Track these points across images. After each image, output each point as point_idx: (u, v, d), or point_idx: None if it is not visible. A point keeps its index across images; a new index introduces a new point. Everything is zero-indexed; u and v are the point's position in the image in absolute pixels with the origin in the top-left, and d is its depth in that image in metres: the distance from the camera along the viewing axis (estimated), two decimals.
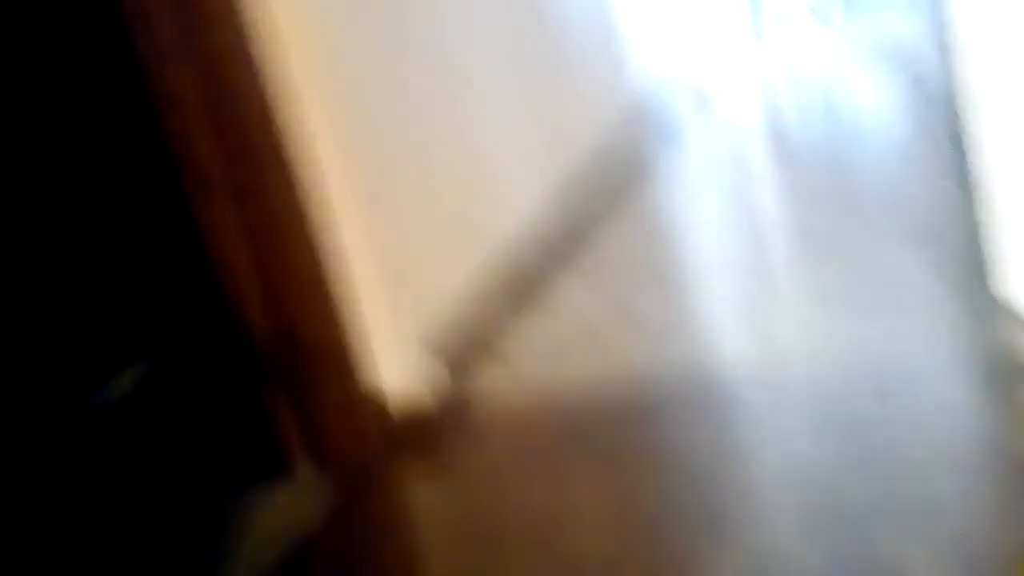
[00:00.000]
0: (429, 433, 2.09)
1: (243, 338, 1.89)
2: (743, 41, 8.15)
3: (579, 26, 3.94)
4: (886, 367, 1.93)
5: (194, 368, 1.82)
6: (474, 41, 2.90)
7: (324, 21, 2.08)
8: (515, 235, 2.95)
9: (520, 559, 1.59)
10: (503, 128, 3.02)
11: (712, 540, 1.51)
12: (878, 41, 6.73)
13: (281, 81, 1.91)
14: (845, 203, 3.17)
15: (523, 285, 2.87)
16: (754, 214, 3.40)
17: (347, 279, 2.02)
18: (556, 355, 2.39)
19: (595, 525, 1.61)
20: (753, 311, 2.44)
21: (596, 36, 4.18)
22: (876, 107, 4.69)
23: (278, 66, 1.91)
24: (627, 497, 1.67)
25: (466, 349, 2.46)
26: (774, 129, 4.77)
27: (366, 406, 2.03)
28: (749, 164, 4.12)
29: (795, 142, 4.32)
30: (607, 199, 3.78)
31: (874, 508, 1.49)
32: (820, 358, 2.05)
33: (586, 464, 1.82)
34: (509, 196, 2.99)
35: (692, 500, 1.63)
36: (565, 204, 3.39)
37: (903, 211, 2.91)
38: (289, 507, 1.83)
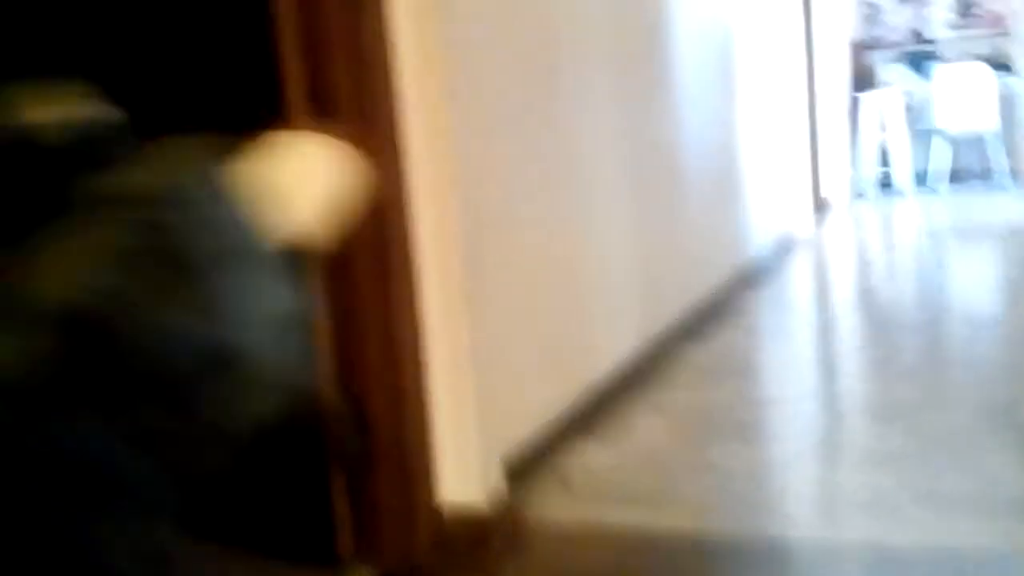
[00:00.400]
0: (483, 547, 2.03)
1: (317, 419, 1.88)
2: (846, 202, 8.18)
3: (702, 181, 4.00)
4: (962, 559, 1.83)
5: (265, 440, 1.81)
6: (602, 182, 2.95)
7: (465, 129, 2.14)
8: (602, 368, 2.95)
9: None
10: (612, 269, 3.05)
11: None
12: (981, 216, 6.67)
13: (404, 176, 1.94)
14: (933, 380, 3.08)
15: (601, 414, 2.84)
16: (838, 375, 3.33)
17: (431, 385, 2.01)
18: (621, 486, 2.33)
19: None
20: (825, 475, 2.35)
21: (716, 192, 4.25)
22: (975, 282, 4.61)
23: (402, 167, 1.95)
24: None
25: (532, 468, 2.42)
26: (867, 291, 4.71)
27: (425, 513, 1.99)
28: (840, 324, 4.06)
29: (887, 307, 4.25)
30: (695, 342, 3.75)
31: None
32: (888, 536, 1.95)
33: None
34: (604, 332, 2.99)
35: None
36: (656, 343, 3.38)
37: (994, 397, 2.81)
38: None
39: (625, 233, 3.25)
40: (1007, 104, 8.15)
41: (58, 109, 0.73)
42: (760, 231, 5.28)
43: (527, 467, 2.41)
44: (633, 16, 3.40)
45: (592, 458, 2.54)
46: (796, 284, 4.90)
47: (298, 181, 0.76)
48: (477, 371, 2.18)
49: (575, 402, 2.75)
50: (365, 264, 1.94)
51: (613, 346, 3.10)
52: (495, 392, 2.32)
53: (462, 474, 2.08)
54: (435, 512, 2.02)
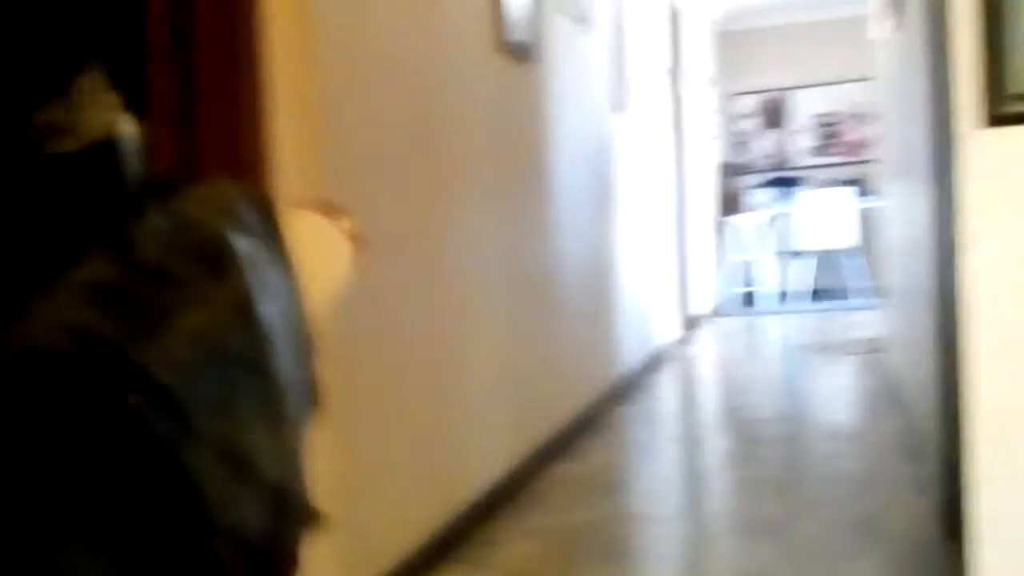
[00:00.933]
0: None
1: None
2: (714, 318, 8.42)
3: (576, 298, 4.03)
4: None
5: None
6: (476, 297, 2.93)
7: None
8: (473, 488, 2.87)
9: None
10: (485, 386, 3.01)
11: None
12: (842, 332, 6.94)
13: None
14: (799, 494, 3.11)
15: (470, 535, 2.75)
16: (706, 492, 3.33)
17: None
18: None
19: None
20: None
21: (590, 309, 4.29)
22: (836, 396, 4.75)
23: None
24: None
25: None
26: (734, 406, 4.79)
27: None
28: (708, 439, 4.09)
29: (753, 421, 4.32)
30: (567, 459, 3.71)
31: None
32: None
33: None
34: (476, 451, 2.92)
35: None
36: (527, 461, 3.33)
37: (858, 508, 2.85)
38: None
39: (499, 349, 3.22)
40: (867, 225, 8.62)
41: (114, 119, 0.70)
42: (632, 347, 5.35)
43: None
44: (513, 132, 3.45)
45: None
46: (666, 399, 4.95)
47: (319, 261, 0.76)
48: (340, 489, 2.07)
49: (444, 524, 2.65)
50: None
51: (484, 465, 3.02)
52: (358, 512, 2.21)
53: None
54: None
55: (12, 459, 0.58)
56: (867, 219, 8.60)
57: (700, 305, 7.84)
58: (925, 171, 2.58)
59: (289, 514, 0.71)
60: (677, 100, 7.30)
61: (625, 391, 4.95)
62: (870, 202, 8.61)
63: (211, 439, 0.63)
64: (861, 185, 9.10)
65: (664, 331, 6.42)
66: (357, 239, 0.83)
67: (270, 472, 0.67)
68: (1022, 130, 1.67)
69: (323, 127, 2.14)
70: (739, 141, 9.97)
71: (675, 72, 7.09)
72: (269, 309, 0.67)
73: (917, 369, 3.41)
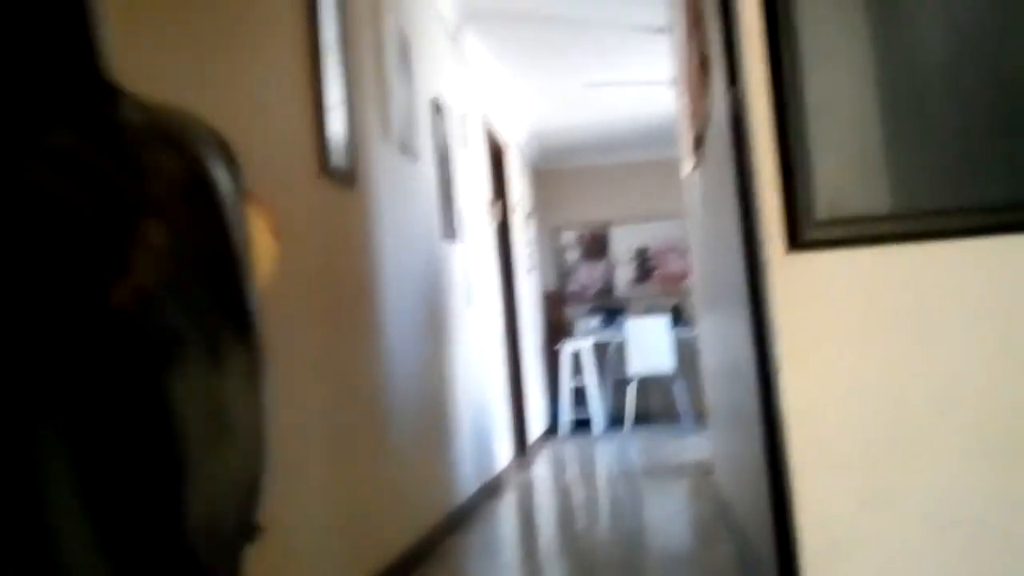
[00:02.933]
0: None
1: None
2: (547, 443, 8.47)
3: (408, 428, 3.95)
4: None
5: None
6: (299, 430, 2.81)
7: None
8: None
9: None
10: (309, 526, 2.86)
11: None
12: (669, 454, 7.09)
13: None
14: None
15: None
16: None
17: None
18: None
19: None
20: None
21: (424, 439, 4.20)
22: (668, 519, 4.80)
23: None
24: None
25: None
26: (569, 531, 4.76)
27: None
28: (544, 567, 4.03)
29: (588, 548, 4.30)
30: None
31: None
32: None
33: None
34: None
35: None
36: None
37: None
38: None
39: (326, 481, 3.09)
40: (685, 352, 8.96)
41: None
42: (468, 474, 5.27)
43: None
44: (338, 256, 3.41)
45: None
46: (503, 526, 4.87)
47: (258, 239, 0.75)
48: None
49: None
50: None
51: None
52: None
53: None
54: None
55: None
56: (685, 346, 8.96)
57: (533, 431, 7.86)
58: (739, 296, 2.70)
59: (253, 491, 0.65)
60: (502, 231, 7.48)
61: (462, 519, 4.84)
62: (688, 330, 8.99)
63: (195, 376, 0.56)
64: (680, 313, 9.51)
65: (500, 457, 6.38)
66: (277, 232, 0.80)
67: (247, 436, 0.61)
68: (825, 255, 1.77)
69: None
70: (565, 271, 10.28)
71: (500, 203, 7.29)
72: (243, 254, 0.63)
73: (746, 489, 3.49)
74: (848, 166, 1.77)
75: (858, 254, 1.76)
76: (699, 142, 3.70)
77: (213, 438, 0.58)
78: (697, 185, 4.15)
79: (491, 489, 5.79)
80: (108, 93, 0.61)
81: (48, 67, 0.58)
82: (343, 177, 3.49)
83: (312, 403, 3.03)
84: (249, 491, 0.66)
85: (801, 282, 1.77)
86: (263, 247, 0.78)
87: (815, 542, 1.76)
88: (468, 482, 5.26)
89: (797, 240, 1.75)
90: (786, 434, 1.78)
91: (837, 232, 1.74)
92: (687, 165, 4.46)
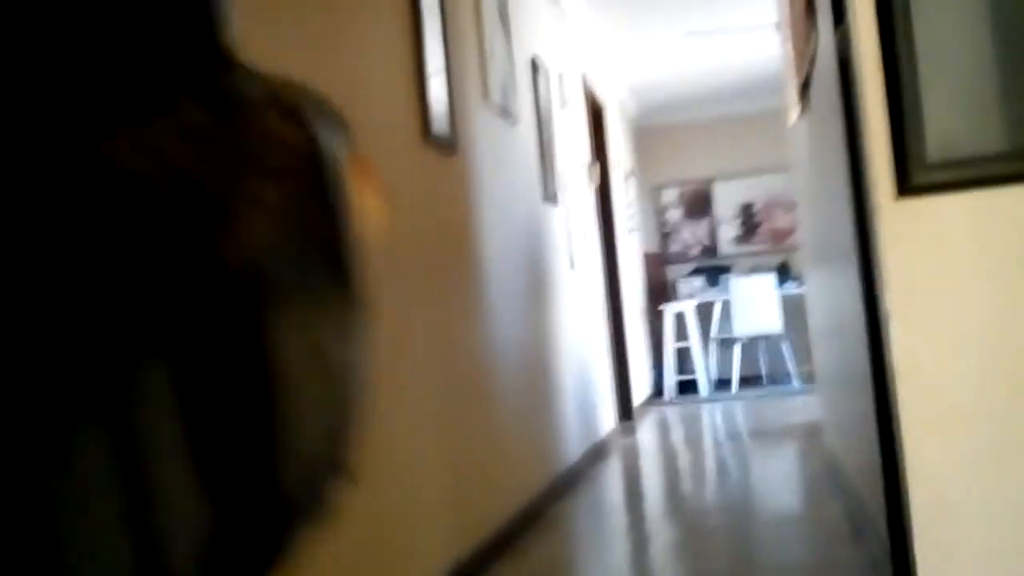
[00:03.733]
0: None
1: None
2: (650, 406, 8.42)
3: (514, 392, 3.98)
4: None
5: None
6: (408, 390, 2.85)
7: None
8: None
9: None
10: (418, 485, 2.91)
11: None
12: (776, 417, 6.97)
13: None
14: (739, 568, 3.05)
15: None
16: (649, 570, 3.24)
17: None
18: None
19: None
20: None
21: (529, 403, 4.22)
22: (775, 482, 4.72)
23: None
24: None
25: None
26: (676, 495, 4.73)
27: None
28: (652, 530, 4.01)
29: (696, 511, 4.26)
30: (509, 557, 3.60)
31: None
32: None
33: None
34: (408, 553, 2.80)
35: None
36: (467, 562, 3.22)
37: None
38: None
39: (434, 445, 3.13)
40: (792, 311, 8.76)
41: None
42: (573, 438, 5.28)
43: None
44: (441, 222, 3.43)
45: None
46: (609, 491, 4.87)
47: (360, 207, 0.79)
48: None
49: None
50: None
51: (420, 567, 2.90)
52: None
53: None
54: None
55: (90, 274, 0.54)
56: (793, 304, 8.75)
57: (638, 394, 7.82)
58: (847, 248, 2.61)
59: (346, 435, 0.68)
60: (603, 192, 7.41)
61: (568, 484, 4.86)
62: (795, 288, 8.78)
63: (296, 322, 0.59)
64: (786, 270, 9.29)
65: (604, 422, 6.37)
66: (385, 195, 0.84)
67: (343, 382, 0.64)
68: (936, 199, 1.69)
69: None
70: (666, 231, 10.15)
71: (599, 165, 7.22)
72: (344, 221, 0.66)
73: (856, 450, 3.41)
74: (959, 107, 1.68)
75: (971, 197, 1.67)
76: (805, 88, 3.57)
77: (310, 381, 0.61)
78: (803, 134, 4.02)
79: (596, 453, 5.79)
80: (229, 65, 0.65)
81: (174, 38, 0.63)
82: (444, 144, 3.50)
83: (419, 370, 3.07)
84: (342, 435, 0.68)
85: (912, 228, 1.70)
86: (372, 209, 0.82)
87: (924, 499, 1.70)
88: (573, 447, 5.28)
89: (907, 184, 1.68)
90: (895, 387, 1.72)
91: (948, 175, 1.66)
92: (792, 114, 4.33)
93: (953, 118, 1.68)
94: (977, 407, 1.69)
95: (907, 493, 1.75)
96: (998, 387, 1.69)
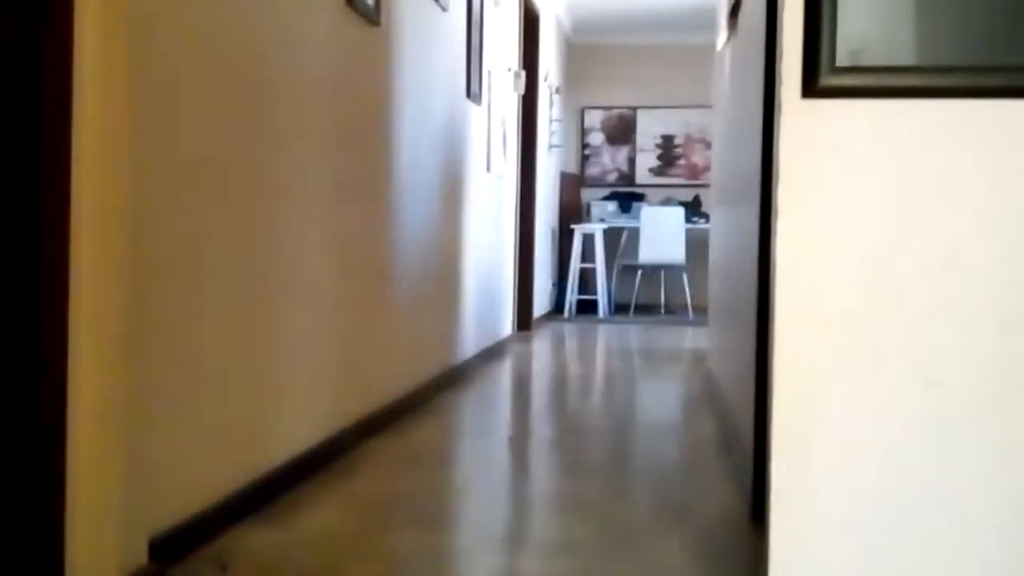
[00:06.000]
0: None
1: None
2: (548, 321, 8.51)
3: (413, 281, 3.96)
4: None
5: None
6: (303, 262, 2.81)
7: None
8: (281, 453, 2.76)
9: None
10: (302, 356, 2.89)
11: None
12: (666, 341, 7.14)
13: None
14: (618, 479, 3.15)
15: (275, 499, 2.64)
16: (528, 473, 3.33)
17: (71, 444, 1.76)
18: (283, 568, 2.14)
19: None
20: (504, 563, 2.29)
21: (428, 294, 4.22)
22: (658, 396, 4.87)
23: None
24: None
25: (189, 548, 2.18)
26: (562, 401, 4.83)
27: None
28: (534, 428, 4.10)
29: (579, 415, 4.37)
30: (389, 435, 3.64)
31: None
32: None
33: None
34: (287, 418, 2.80)
35: None
36: (346, 433, 3.24)
37: (673, 495, 2.90)
38: None
39: (324, 320, 3.12)
40: (696, 246, 8.93)
41: None
42: (469, 338, 5.33)
43: (183, 547, 2.16)
44: (357, 97, 3.36)
45: (257, 540, 2.33)
46: (498, 390, 4.95)
47: None
48: (136, 438, 1.94)
49: (246, 485, 2.53)
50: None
51: (296, 433, 2.91)
52: (151, 466, 2.07)
53: (99, 549, 1.82)
54: None
55: None
56: (698, 239, 8.92)
57: (538, 307, 7.91)
58: (751, 186, 2.67)
59: None
60: (527, 104, 7.36)
61: (458, 378, 4.92)
62: (702, 224, 8.94)
63: None
64: (696, 207, 9.44)
65: (502, 327, 6.44)
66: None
67: None
68: (840, 103, 1.73)
69: (135, 54, 2.00)
70: (587, 154, 10.18)
71: (526, 75, 7.15)
72: None
73: (735, 375, 3.53)
74: (874, 18, 1.72)
75: (875, 105, 1.72)
76: (734, 12, 3.59)
77: None
78: (727, 60, 4.05)
79: (491, 354, 5.87)
80: None
81: None
82: (368, 12, 3.41)
83: (319, 246, 3.03)
84: None
85: (813, 129, 1.74)
86: None
87: (787, 394, 1.78)
88: (468, 345, 5.33)
89: (813, 85, 1.71)
90: (774, 286, 1.77)
91: (856, 80, 1.70)
92: (720, 40, 4.35)
93: (867, 28, 1.72)
94: (849, 308, 1.76)
95: (771, 389, 1.83)
96: (873, 291, 1.76)
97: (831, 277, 1.78)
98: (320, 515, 2.57)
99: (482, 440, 3.71)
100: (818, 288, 1.79)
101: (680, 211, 8.88)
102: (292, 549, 2.29)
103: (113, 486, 1.85)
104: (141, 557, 1.93)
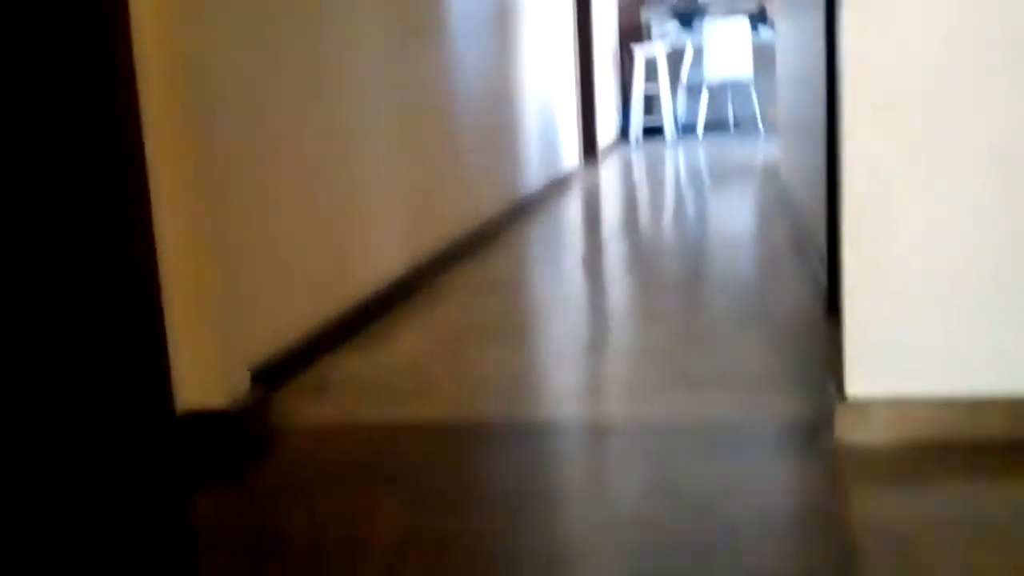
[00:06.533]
0: (228, 450, 1.91)
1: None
2: (616, 146, 8.43)
3: (475, 117, 3.94)
4: (706, 427, 1.88)
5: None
6: (370, 104, 2.83)
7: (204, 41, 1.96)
8: (366, 284, 2.87)
9: None
10: (378, 193, 2.95)
11: None
12: (737, 158, 7.05)
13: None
14: (694, 291, 3.20)
15: (362, 327, 2.76)
16: (606, 290, 3.39)
17: (168, 282, 1.86)
18: (377, 388, 2.26)
19: (376, 560, 1.46)
20: (587, 367, 2.38)
21: (490, 130, 4.20)
22: (731, 213, 4.85)
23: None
24: (419, 533, 1.54)
25: (286, 374, 2.31)
26: (634, 223, 4.85)
27: (160, 416, 1.85)
28: (608, 250, 4.14)
29: (652, 235, 4.39)
30: (465, 264, 3.73)
31: (691, 562, 1.41)
32: (650, 418, 1.99)
33: (384, 489, 1.69)
34: (369, 251, 2.88)
35: (501, 540, 1.51)
36: (423, 265, 3.33)
37: (746, 302, 2.94)
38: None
39: (393, 159, 3.16)
40: (763, 59, 8.64)
41: None
42: (533, 169, 5.33)
43: (280, 373, 2.29)
44: None
45: (351, 365, 2.46)
46: (566, 218, 4.98)
47: None
48: (226, 275, 2.03)
49: (337, 316, 2.65)
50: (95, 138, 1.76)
51: (380, 266, 3.01)
52: (245, 298, 2.18)
53: (204, 377, 1.94)
54: (172, 416, 1.88)
55: None
56: (764, 52, 8.62)
57: (603, 135, 7.83)
58: None
59: None
60: None
61: (527, 210, 4.96)
62: (767, 33, 8.61)
63: None
64: (761, 16, 9.07)
65: (567, 158, 6.41)
66: None
67: None
68: None
69: None
70: None
71: None
72: None
73: (806, 182, 3.49)
74: None
75: None
76: None
77: None
78: None
79: (557, 186, 5.87)
80: None
81: None
82: None
83: (380, 77, 3.04)
84: None
85: None
86: None
87: (857, 190, 1.76)
88: (534, 177, 5.33)
89: None
90: (842, 80, 1.74)
91: None
92: None
93: None
94: (921, 90, 1.72)
95: (842, 183, 1.81)
96: (946, 71, 1.71)
97: (900, 65, 1.73)
98: (407, 340, 2.68)
99: (556, 266, 3.77)
100: (886, 76, 1.75)
101: (745, 22, 8.56)
102: (384, 371, 2.41)
103: (209, 317, 1.96)
104: (244, 384, 2.06)
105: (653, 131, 8.93)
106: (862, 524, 1.50)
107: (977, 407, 1.79)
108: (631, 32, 9.30)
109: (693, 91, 9.18)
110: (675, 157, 7.55)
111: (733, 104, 9.12)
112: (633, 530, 1.51)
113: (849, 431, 1.81)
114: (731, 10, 9.34)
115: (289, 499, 1.72)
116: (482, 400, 2.17)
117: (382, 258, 3.05)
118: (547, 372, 2.40)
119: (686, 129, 9.18)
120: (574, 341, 2.64)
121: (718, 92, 9.13)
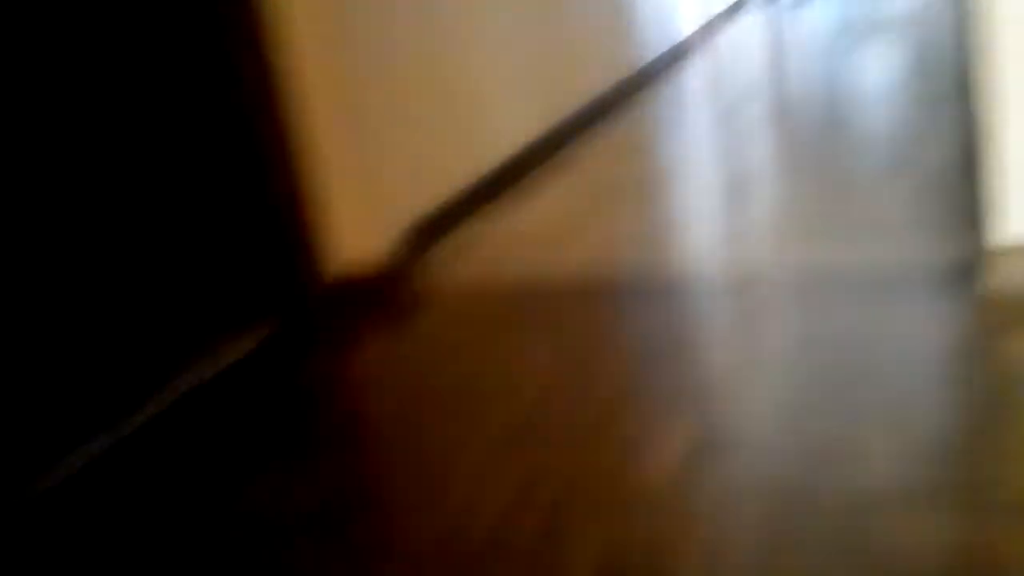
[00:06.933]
0: (383, 302, 2.02)
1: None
2: (742, 7, 8.11)
3: None
4: (863, 282, 1.89)
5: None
6: None
7: None
8: (503, 150, 2.94)
9: (453, 416, 1.54)
10: (506, 65, 2.99)
11: (662, 416, 1.46)
12: (878, 11, 6.71)
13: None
14: (835, 143, 3.13)
15: (502, 190, 2.82)
16: (742, 147, 3.35)
17: (321, 144, 1.95)
18: (521, 246, 2.33)
19: (526, 395, 1.55)
20: (731, 224, 2.39)
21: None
22: (872, 67, 4.66)
23: None
24: (562, 375, 1.61)
25: (434, 234, 2.41)
26: (769, 82, 4.72)
27: (319, 267, 1.97)
28: (741, 111, 4.07)
29: (789, 93, 4.28)
30: (596, 130, 3.73)
31: (837, 397, 1.45)
32: (794, 268, 2.00)
33: (531, 337, 1.77)
34: (503, 118, 2.94)
35: (644, 380, 1.57)
36: (555, 131, 3.36)
37: (892, 152, 2.87)
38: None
39: (518, 31, 3.18)
40: None
41: None
42: (655, 36, 5.22)
43: (429, 233, 2.39)
44: None
45: (492, 226, 2.53)
46: (695, 83, 4.88)
47: None
48: (373, 142, 2.12)
49: (476, 180, 2.72)
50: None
51: (513, 131, 3.06)
52: (395, 168, 2.27)
53: (360, 232, 2.05)
54: (327, 268, 1.99)
55: None
56: None
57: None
58: None
59: None
60: None
61: (651, 76, 4.88)
62: None
63: None
64: None
65: (688, 23, 6.22)
66: None
67: None
68: None
69: None
70: None
71: None
72: None
73: (948, 28, 3.31)
74: None
75: None
76: None
77: None
78: None
79: (680, 52, 5.73)
80: None
81: None
82: None
83: None
84: None
85: None
86: None
87: (1009, 39, 1.69)
88: (656, 44, 5.22)
89: None
90: None
91: None
92: None
93: None
94: None
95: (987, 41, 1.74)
96: None
97: None
98: (545, 201, 2.73)
99: (691, 127, 3.73)
100: None
101: None
102: (524, 229, 2.47)
103: (362, 184, 2.05)
104: (396, 245, 2.16)
105: None
106: (1010, 366, 1.51)
107: None
108: None
109: None
110: (803, 17, 7.22)
111: None
112: (779, 370, 1.56)
113: (999, 277, 1.79)
114: None
115: (442, 348, 1.82)
116: (625, 253, 2.21)
117: (518, 123, 3.09)
118: (687, 229, 2.41)
119: None
120: (716, 196, 2.63)
121: None
